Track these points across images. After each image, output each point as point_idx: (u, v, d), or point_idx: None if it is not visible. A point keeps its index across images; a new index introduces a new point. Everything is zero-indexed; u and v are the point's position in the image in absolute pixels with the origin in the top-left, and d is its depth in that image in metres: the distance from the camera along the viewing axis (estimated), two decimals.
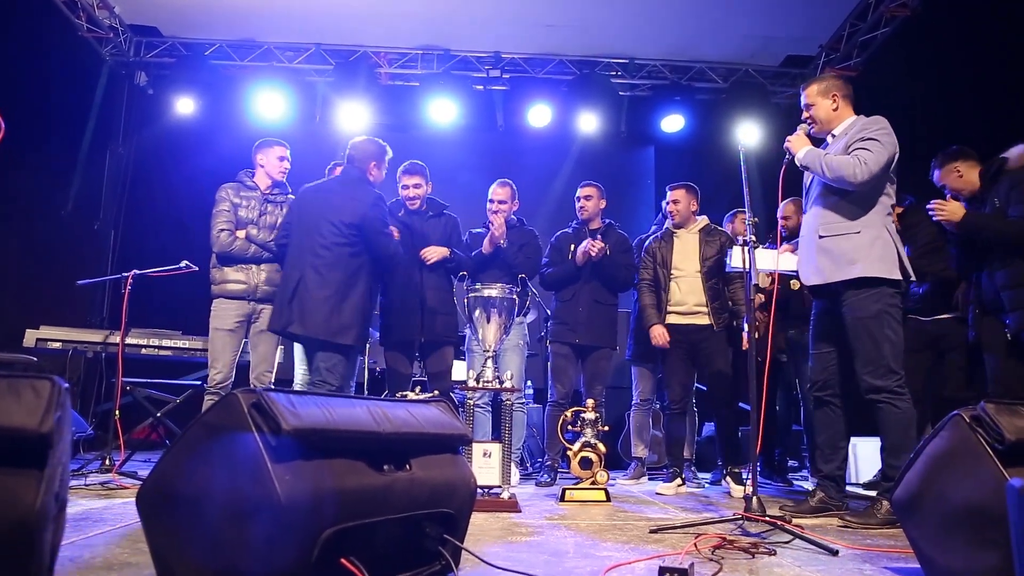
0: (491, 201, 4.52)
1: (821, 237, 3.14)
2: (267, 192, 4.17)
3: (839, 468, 3.27)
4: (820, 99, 3.25)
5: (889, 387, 2.96)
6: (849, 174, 2.99)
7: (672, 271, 4.35)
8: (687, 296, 4.29)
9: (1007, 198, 3.37)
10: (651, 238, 4.57)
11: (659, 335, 4.27)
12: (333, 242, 3.63)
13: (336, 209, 3.67)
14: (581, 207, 4.59)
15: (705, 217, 4.51)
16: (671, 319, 4.29)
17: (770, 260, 3.55)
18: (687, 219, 4.45)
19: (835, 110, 3.23)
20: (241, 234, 4.02)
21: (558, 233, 4.68)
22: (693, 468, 4.74)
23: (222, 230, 3.99)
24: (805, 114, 3.31)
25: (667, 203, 4.50)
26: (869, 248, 3.01)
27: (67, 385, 1.31)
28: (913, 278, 3.13)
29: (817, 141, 3.29)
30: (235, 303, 3.99)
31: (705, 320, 4.27)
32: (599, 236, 4.46)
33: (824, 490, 3.22)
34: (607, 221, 4.62)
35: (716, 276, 4.32)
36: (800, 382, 4.81)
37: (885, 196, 3.09)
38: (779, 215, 4.58)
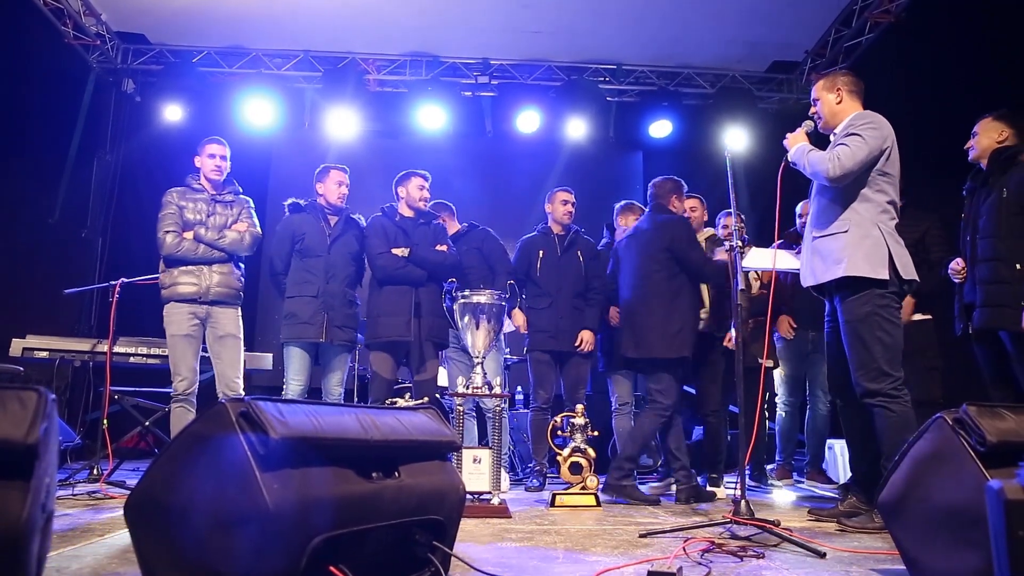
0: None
1: (815, 238, 3.09)
2: (214, 193, 4.11)
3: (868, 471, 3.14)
4: (825, 94, 3.18)
5: (883, 390, 2.87)
6: (823, 170, 2.93)
7: None
8: None
9: (1019, 190, 3.27)
10: None
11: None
12: (652, 270, 3.97)
13: (650, 243, 4.02)
14: (568, 212, 4.61)
15: (711, 229, 4.65)
16: None
17: (767, 259, 3.52)
18: (699, 228, 4.52)
19: (839, 103, 3.13)
20: (188, 235, 3.97)
21: (524, 238, 4.72)
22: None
23: (167, 232, 3.94)
24: (812, 109, 3.24)
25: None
26: (855, 248, 2.92)
27: (53, 396, 1.31)
28: (911, 278, 2.96)
29: (825, 138, 3.21)
30: (186, 306, 3.92)
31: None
32: (567, 242, 4.58)
33: (856, 494, 3.12)
34: (574, 228, 4.66)
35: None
36: (811, 387, 4.86)
37: (879, 193, 2.97)
38: (798, 212, 4.60)
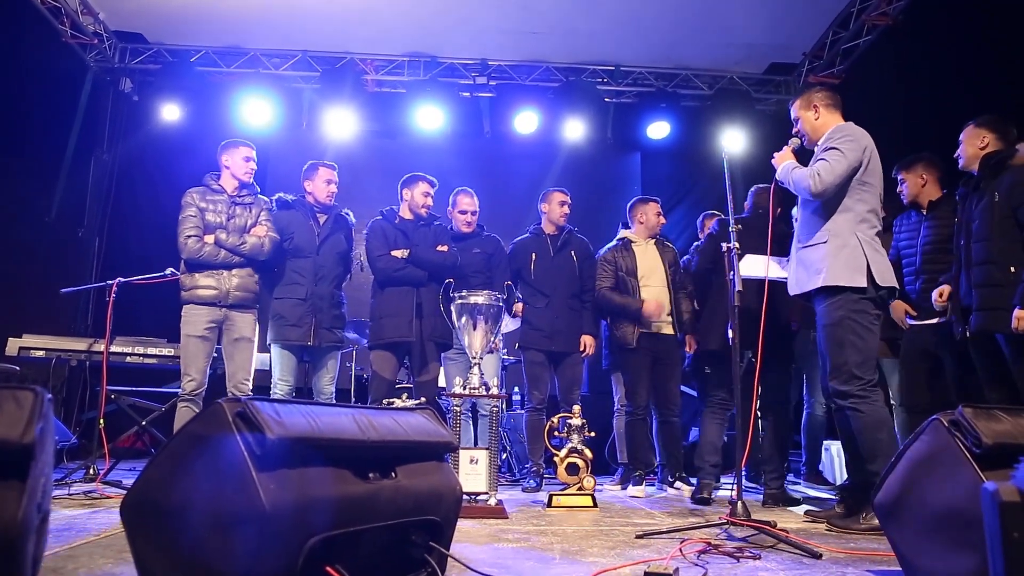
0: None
1: (799, 249, 3.19)
2: (235, 195, 4.10)
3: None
4: (803, 112, 3.29)
5: (852, 392, 2.94)
6: (805, 186, 3.05)
7: (640, 280, 4.45)
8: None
9: (1009, 194, 3.30)
10: (607, 248, 4.64)
11: (654, 307, 4.33)
12: None
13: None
14: (566, 213, 4.62)
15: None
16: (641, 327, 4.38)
17: (760, 267, 3.55)
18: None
19: (818, 119, 3.23)
20: (209, 239, 3.95)
21: (516, 240, 4.73)
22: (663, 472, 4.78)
23: (189, 236, 3.92)
24: (795, 128, 3.33)
25: (658, 214, 4.63)
26: (834, 257, 3.01)
27: (50, 395, 1.31)
28: (889, 285, 3.03)
29: (810, 153, 3.29)
30: (205, 309, 3.92)
31: (669, 330, 4.43)
32: (560, 242, 4.61)
33: (852, 495, 3.14)
34: (568, 228, 4.68)
35: (675, 285, 4.53)
36: (810, 388, 4.87)
37: (859, 203, 3.05)
38: (794, 216, 4.60)
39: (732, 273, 3.06)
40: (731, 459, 4.47)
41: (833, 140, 3.07)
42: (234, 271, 3.98)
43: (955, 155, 3.63)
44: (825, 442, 5.08)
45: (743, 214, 4.32)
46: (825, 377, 3.20)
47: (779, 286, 3.44)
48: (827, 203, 3.08)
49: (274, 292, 4.21)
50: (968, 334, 3.47)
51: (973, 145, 3.52)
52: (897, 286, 3.12)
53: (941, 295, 3.64)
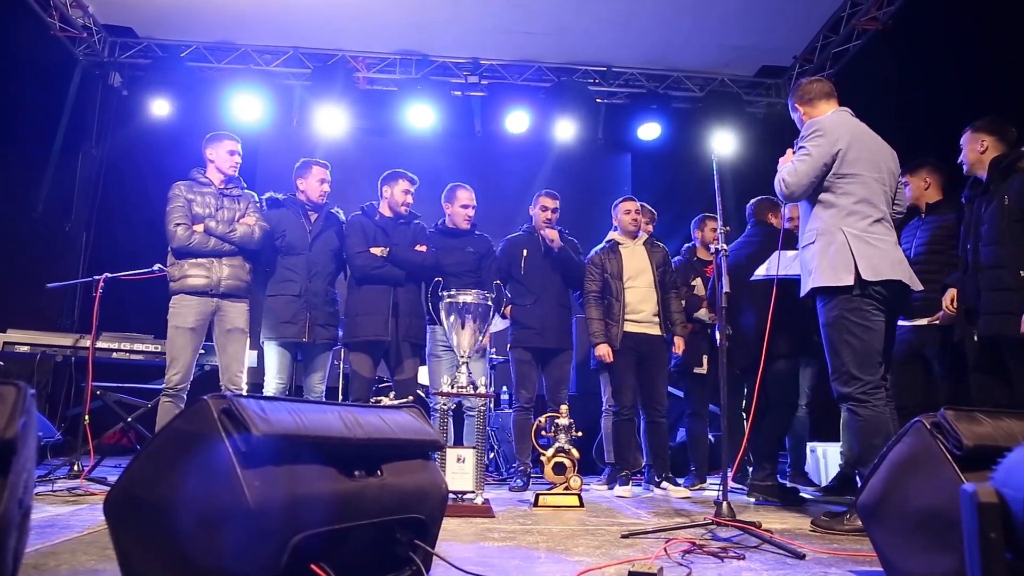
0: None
1: (801, 250, 3.19)
2: (222, 187, 4.09)
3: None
4: (794, 115, 3.33)
5: (852, 394, 2.92)
6: (778, 192, 3.10)
7: (625, 281, 4.47)
8: (641, 305, 4.42)
9: (1019, 197, 3.26)
10: (595, 251, 4.65)
11: (605, 353, 4.38)
12: None
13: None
14: (548, 219, 4.63)
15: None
16: (626, 327, 4.41)
17: (769, 266, 3.57)
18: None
19: (804, 117, 3.23)
20: (199, 228, 3.92)
21: (508, 237, 4.73)
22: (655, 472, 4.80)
23: (178, 224, 3.88)
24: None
25: (627, 212, 4.66)
26: (821, 257, 2.99)
27: (33, 391, 1.30)
28: (880, 278, 2.91)
29: None
30: (196, 299, 3.88)
31: (655, 330, 4.45)
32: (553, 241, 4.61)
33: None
34: (560, 229, 4.70)
35: (666, 285, 4.56)
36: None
37: (843, 196, 3.00)
38: (787, 216, 4.61)
39: (721, 274, 3.06)
40: (718, 459, 4.50)
41: (803, 138, 3.08)
42: (224, 260, 3.95)
43: (958, 161, 3.63)
44: (810, 444, 5.10)
45: (748, 232, 4.36)
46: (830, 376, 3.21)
47: (793, 282, 3.39)
48: (811, 201, 3.09)
49: (267, 290, 4.19)
50: (976, 336, 3.46)
51: (973, 150, 3.53)
52: (898, 277, 2.96)
53: (953, 301, 3.64)
